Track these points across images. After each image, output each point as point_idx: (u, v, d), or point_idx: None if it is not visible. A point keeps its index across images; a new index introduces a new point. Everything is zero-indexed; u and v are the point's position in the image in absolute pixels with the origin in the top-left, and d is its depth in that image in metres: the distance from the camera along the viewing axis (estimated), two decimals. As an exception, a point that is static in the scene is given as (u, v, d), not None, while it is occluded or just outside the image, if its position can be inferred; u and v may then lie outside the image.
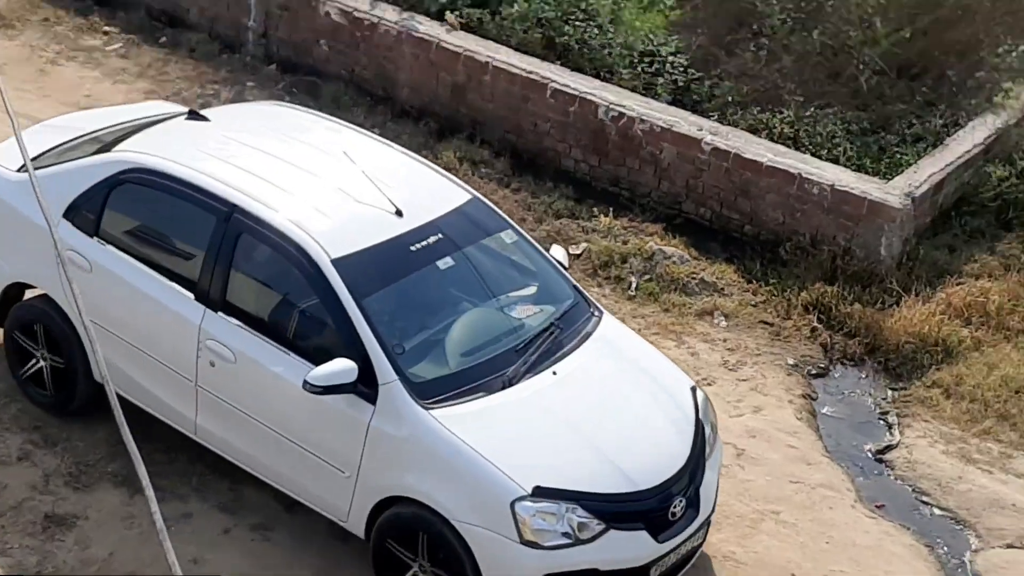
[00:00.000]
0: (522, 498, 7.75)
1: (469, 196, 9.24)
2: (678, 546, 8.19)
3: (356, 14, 13.53)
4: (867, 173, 12.20)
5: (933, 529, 9.67)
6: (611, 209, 12.39)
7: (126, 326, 8.98)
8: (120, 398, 9.13)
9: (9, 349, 9.69)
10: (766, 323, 11.36)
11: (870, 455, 10.32)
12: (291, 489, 8.60)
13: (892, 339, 11.16)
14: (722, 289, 11.63)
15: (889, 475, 10.15)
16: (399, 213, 8.70)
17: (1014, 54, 13.21)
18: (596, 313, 9.09)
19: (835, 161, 12.31)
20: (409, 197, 8.85)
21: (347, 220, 8.64)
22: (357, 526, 8.33)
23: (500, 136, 13.07)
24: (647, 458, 8.21)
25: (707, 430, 8.62)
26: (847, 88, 13.17)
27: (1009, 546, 9.57)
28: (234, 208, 8.60)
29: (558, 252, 9.53)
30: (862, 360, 11.18)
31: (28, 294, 9.66)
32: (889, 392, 10.94)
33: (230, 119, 9.96)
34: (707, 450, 8.55)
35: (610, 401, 8.54)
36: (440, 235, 8.76)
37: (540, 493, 7.78)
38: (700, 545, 8.62)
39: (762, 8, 13.57)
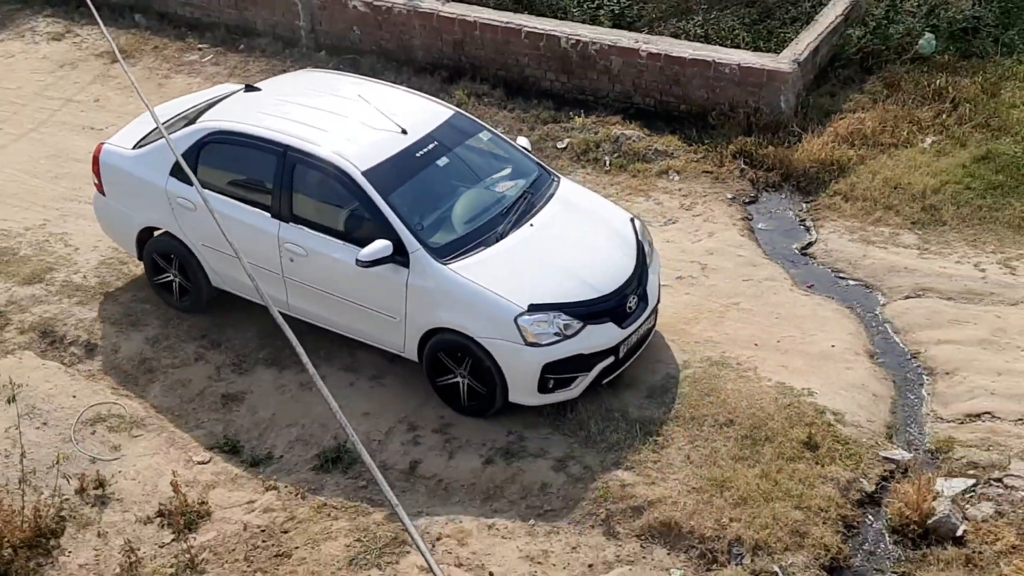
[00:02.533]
0: (521, 314, 8.05)
1: (452, 111, 9.35)
2: (637, 329, 8.50)
3: (375, 3, 13.21)
4: (762, 51, 12.00)
5: (851, 295, 9.66)
6: (582, 111, 12.18)
7: (227, 244, 8.97)
8: (232, 294, 9.44)
9: (147, 266, 9.80)
10: (707, 172, 11.19)
11: (797, 251, 10.26)
12: (362, 337, 8.79)
13: (800, 167, 11.02)
14: (672, 154, 11.45)
15: (813, 263, 10.09)
16: (404, 132, 8.86)
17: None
18: (556, 179, 9.23)
19: (737, 47, 12.13)
20: (410, 119, 9.01)
21: (368, 142, 8.78)
22: (412, 353, 8.60)
23: (493, 73, 12.82)
24: (605, 273, 8.44)
25: (646, 247, 8.80)
26: (737, -7, 12.85)
27: (906, 297, 9.52)
28: (287, 148, 8.76)
29: (523, 141, 9.58)
30: (780, 186, 11.05)
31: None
32: (804, 205, 10.83)
33: (275, 86, 10.02)
34: (648, 261, 8.75)
35: (573, 237, 8.70)
36: (436, 142, 8.93)
37: (534, 308, 8.09)
38: (653, 326, 8.87)
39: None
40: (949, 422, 8.30)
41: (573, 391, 8.30)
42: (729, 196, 10.88)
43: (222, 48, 13.90)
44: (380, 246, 8.25)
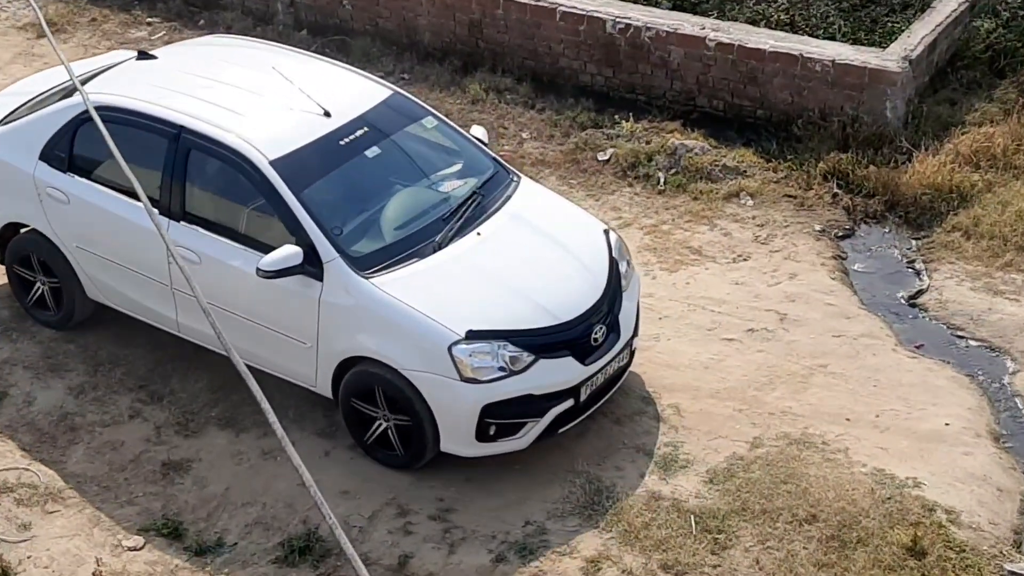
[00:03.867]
0: (457, 342, 8.21)
1: (390, 92, 9.62)
2: (604, 367, 8.64)
3: (372, -29, 13.42)
4: (864, 45, 12.09)
5: (971, 359, 9.66)
6: (631, 114, 12.29)
7: (106, 246, 9.44)
8: (111, 309, 9.60)
9: (13, 282, 10.15)
10: (790, 196, 11.24)
11: (903, 301, 10.27)
12: (266, 366, 8.92)
13: (909, 193, 11.06)
14: (744, 171, 11.51)
15: (923, 317, 10.11)
16: (327, 114, 9.08)
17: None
18: (515, 179, 9.45)
19: (832, 38, 12.25)
20: (335, 99, 9.25)
21: (281, 125, 9.02)
22: (325, 389, 8.79)
23: (519, 63, 12.97)
24: (566, 295, 8.62)
25: (622, 266, 9.00)
26: (834, -31, 12.95)
27: (1043, 364, 9.51)
28: (181, 129, 9.01)
29: (478, 131, 9.82)
30: (884, 216, 11.09)
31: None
32: (913, 242, 10.86)
33: (174, 55, 10.33)
34: (623, 283, 8.93)
35: (530, 251, 8.91)
36: (366, 128, 9.14)
37: (473, 335, 8.24)
38: (627, 365, 9.05)
39: (745, -93, 13.32)
40: (1095, 527, 8.27)
41: (520, 441, 8.49)
42: (817, 228, 10.92)
43: (177, 23, 14.11)
44: (287, 253, 8.46)
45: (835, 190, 11.22)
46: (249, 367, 5.66)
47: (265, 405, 5.40)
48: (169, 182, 9.02)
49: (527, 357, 8.35)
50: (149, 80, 9.57)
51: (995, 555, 8.07)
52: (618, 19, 12.40)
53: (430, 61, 13.23)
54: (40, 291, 9.96)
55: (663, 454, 8.79)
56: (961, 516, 8.26)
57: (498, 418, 8.37)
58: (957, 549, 8.03)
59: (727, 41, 11.98)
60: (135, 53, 10.28)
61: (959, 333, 9.85)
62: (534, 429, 8.48)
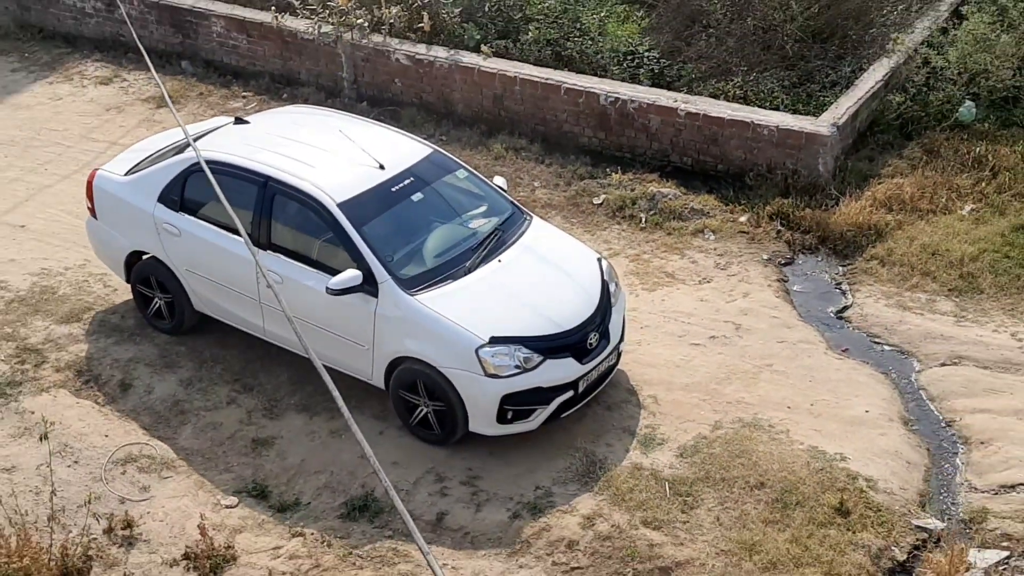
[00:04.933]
0: (482, 346, 8.27)
1: (431, 150, 9.63)
2: (597, 365, 8.70)
3: (417, 56, 13.41)
4: (801, 114, 12.03)
5: (886, 360, 9.61)
6: (619, 168, 12.24)
7: (209, 269, 9.48)
8: (213, 319, 9.67)
9: (136, 298, 10.20)
10: (743, 232, 11.20)
11: (832, 315, 10.21)
12: (333, 364, 8.89)
13: (837, 230, 11.01)
14: (708, 213, 11.48)
15: (848, 327, 10.05)
16: (382, 167, 9.15)
17: (895, 13, 13.03)
18: (528, 218, 9.46)
19: (776, 109, 12.16)
20: (388, 155, 9.31)
21: (346, 175, 9.07)
22: (379, 381, 8.83)
23: (532, 128, 12.94)
24: (567, 309, 8.66)
25: (611, 286, 9.02)
26: (777, 55, 12.90)
27: (942, 364, 9.47)
28: (268, 178, 9.07)
29: (499, 180, 9.80)
30: (817, 248, 11.02)
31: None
32: (840, 268, 10.80)
33: (263, 120, 10.33)
34: (612, 300, 8.97)
35: (539, 274, 8.94)
36: (412, 178, 9.20)
37: (495, 341, 8.31)
38: (615, 364, 9.07)
39: (708, 7, 13.32)
40: (983, 492, 8.21)
41: (531, 423, 8.51)
42: (765, 257, 10.88)
43: (266, 96, 14.14)
44: (350, 275, 8.52)
45: (779, 227, 11.17)
46: (321, 364, 5.66)
47: (336, 393, 5.43)
48: (259, 219, 9.06)
49: (537, 358, 8.38)
50: (244, 140, 9.63)
51: (904, 513, 8.04)
52: (609, 93, 12.39)
53: (462, 126, 13.22)
54: (157, 305, 10.00)
55: (644, 434, 8.78)
56: (878, 483, 8.23)
57: (514, 405, 8.38)
58: (875, 509, 8.01)
59: (694, 111, 11.95)
60: (233, 119, 10.33)
61: (876, 340, 9.81)
62: (542, 414, 8.49)
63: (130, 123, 13.72)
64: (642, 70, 13.00)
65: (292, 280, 8.90)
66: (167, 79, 14.45)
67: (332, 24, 13.76)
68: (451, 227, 9.16)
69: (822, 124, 11.57)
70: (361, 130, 9.77)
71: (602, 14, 13.85)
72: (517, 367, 8.31)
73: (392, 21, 13.64)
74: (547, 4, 13.67)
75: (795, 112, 12.09)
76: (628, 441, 8.72)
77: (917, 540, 7.85)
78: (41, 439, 8.12)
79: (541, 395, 8.42)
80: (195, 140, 9.64)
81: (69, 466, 8.68)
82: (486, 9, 13.73)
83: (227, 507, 8.44)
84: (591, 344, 8.61)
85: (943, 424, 8.89)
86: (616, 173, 12.13)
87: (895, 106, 12.23)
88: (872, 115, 12.31)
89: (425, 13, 13.56)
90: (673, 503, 8.10)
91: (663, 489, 8.22)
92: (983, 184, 11.27)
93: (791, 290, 10.54)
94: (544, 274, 8.94)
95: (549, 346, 8.43)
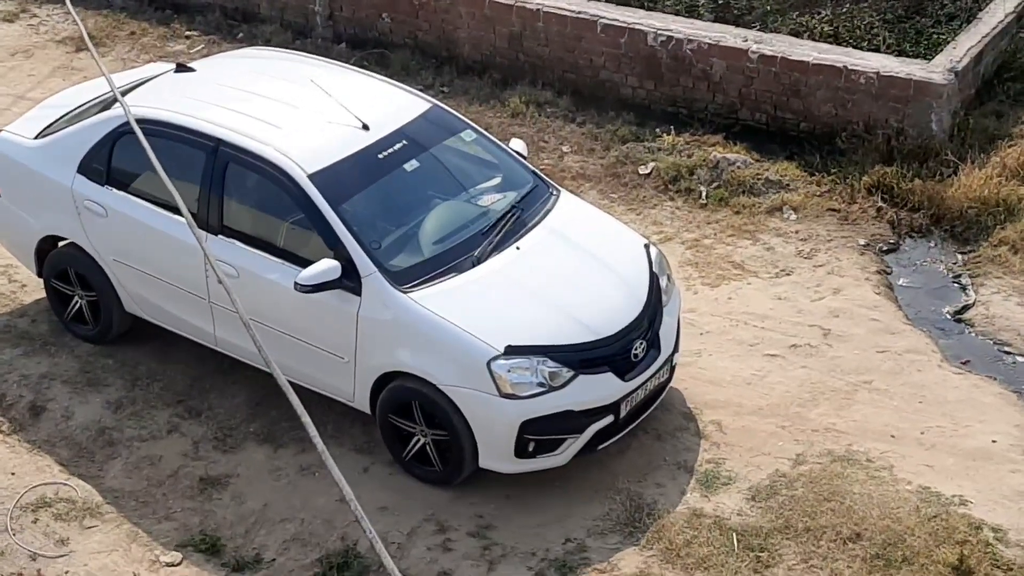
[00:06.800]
0: (496, 357, 8.23)
1: (429, 105, 9.67)
2: (644, 383, 8.64)
3: (411, -16, 13.52)
4: (908, 56, 12.06)
5: (1019, 376, 9.61)
6: (672, 128, 12.31)
7: (143, 259, 9.53)
8: (149, 322, 9.70)
9: (50, 296, 10.25)
10: (833, 210, 11.23)
11: (949, 317, 10.24)
12: (303, 381, 8.92)
13: (955, 207, 11.03)
14: (787, 185, 11.52)
15: (970, 332, 10.07)
16: (366, 127, 9.14)
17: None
18: (555, 192, 9.49)
19: (876, 50, 12.20)
20: (374, 112, 9.30)
21: (319, 139, 9.07)
22: (363, 404, 8.83)
23: (560, 76, 13.02)
24: (606, 310, 8.64)
25: (662, 281, 9.01)
26: (878, -21, 12.93)
27: (1093, 381, 9.46)
28: (219, 142, 9.08)
29: (517, 144, 9.86)
30: (929, 231, 11.05)
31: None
32: (959, 256, 10.82)
33: (213, 68, 10.42)
34: (664, 298, 8.95)
35: (569, 265, 8.93)
36: (405, 141, 9.19)
37: (512, 351, 8.26)
38: (667, 381, 9.04)
39: (789, -85, 13.35)
40: None
41: (560, 457, 8.50)
42: (862, 242, 10.90)
43: (216, 36, 14.24)
44: (325, 267, 8.51)
45: (879, 204, 11.19)
46: (287, 382, 5.70)
47: (306, 419, 5.45)
48: (207, 195, 9.09)
49: (566, 373, 8.37)
50: (187, 93, 9.67)
51: (1044, 575, 8.04)
52: (660, 31, 12.43)
53: (469, 74, 13.29)
54: (78, 305, 10.07)
55: (705, 471, 8.80)
56: (1008, 534, 8.22)
57: (537, 434, 8.39)
58: (1005, 567, 8.00)
59: (770, 53, 12.00)
60: (173, 66, 10.38)
61: (1006, 348, 9.81)
62: (573, 445, 8.50)
63: (42, 71, 13.80)
64: (702, 1, 13.02)
65: (250, 273, 8.95)
66: (90, 15, 14.54)
67: (301, -57, 13.86)
68: (455, 205, 9.19)
69: (936, 69, 11.58)
70: (338, 80, 9.81)
71: (651, -73, 13.87)
72: (541, 385, 8.33)
73: (379, -62, 13.73)
74: (579, -85, 13.70)
75: (901, 54, 12.12)
76: (685, 480, 8.73)
77: (1059, 608, 7.86)
78: (-71, 478, 8.23)
79: (572, 421, 8.43)
80: (124, 94, 9.67)
81: (-34, 512, 8.78)
82: (500, -78, 13.76)
83: (168, 565, 8.48)
84: (636, 356, 8.63)
85: (1093, 458, 8.89)
86: (668, 134, 12.18)
87: (1032, 46, 12.26)
88: (1001, 57, 12.34)
89: (421, -72, 13.64)
90: (743, 560, 8.12)
91: (730, 542, 8.24)
92: None
93: (895, 285, 10.56)
94: (575, 265, 8.96)
95: (582, 358, 8.44)
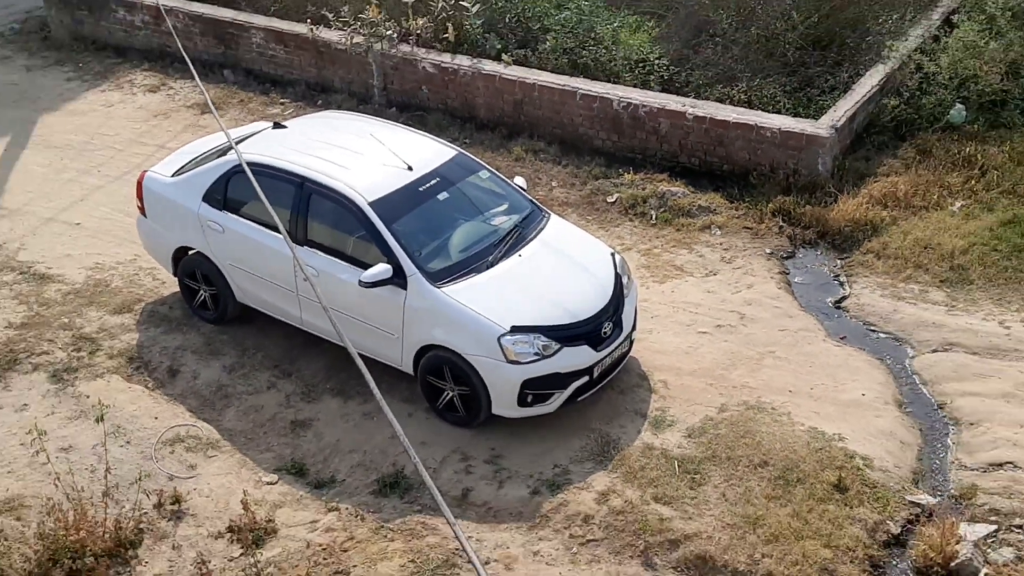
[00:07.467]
0: (504, 334, 8.28)
1: (455, 152, 9.62)
2: (610, 352, 8.70)
3: (443, 65, 13.42)
4: (802, 117, 11.98)
5: (881, 348, 9.58)
6: (631, 168, 12.23)
7: (250, 264, 9.51)
8: (254, 309, 9.69)
9: (183, 290, 10.23)
10: (748, 228, 11.18)
11: (831, 305, 10.19)
12: (365, 351, 8.88)
13: (835, 225, 10.97)
14: (714, 210, 11.46)
15: (846, 316, 10.02)
16: (410, 168, 9.15)
17: (890, 21, 12.98)
18: (546, 215, 9.45)
19: (778, 112, 12.11)
20: (416, 157, 9.31)
21: (377, 176, 9.07)
22: (407, 367, 8.84)
23: (549, 132, 12.93)
24: (583, 300, 8.65)
25: (624, 279, 9.00)
26: (779, 62, 12.84)
27: (934, 351, 9.43)
28: (304, 179, 9.09)
29: (519, 180, 9.78)
30: (816, 243, 10.99)
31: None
32: (838, 261, 10.77)
33: (300, 125, 10.30)
34: (625, 292, 8.94)
35: (556, 268, 8.92)
36: (438, 178, 9.21)
37: (515, 330, 8.31)
38: (627, 352, 9.05)
39: (714, 17, 13.29)
40: (973, 470, 8.19)
41: (550, 406, 8.52)
42: (768, 251, 10.86)
43: (302, 103, 14.19)
44: (381, 269, 8.55)
45: (781, 223, 11.14)
46: (355, 351, 5.69)
47: (368, 378, 5.46)
48: (296, 217, 9.08)
49: (555, 345, 8.38)
50: (282, 143, 9.64)
51: (899, 490, 8.03)
52: (622, 99, 12.36)
53: (484, 130, 13.23)
54: (203, 296, 10.06)
55: (654, 416, 8.79)
56: (874, 462, 8.22)
57: (534, 389, 8.39)
58: (871, 485, 8.00)
59: (702, 114, 11.92)
60: (272, 124, 10.36)
61: (872, 328, 9.78)
62: (560, 398, 8.51)
63: (176, 128, 13.80)
64: (652, 76, 12.97)
65: (327, 273, 8.93)
66: (210, 87, 14.52)
67: (363, 35, 13.80)
68: (474, 224, 9.17)
69: (821, 126, 11.52)
70: (390, 134, 9.79)
71: (615, 24, 13.82)
72: (536, 354, 8.33)
73: (419, 32, 13.67)
74: (564, 15, 13.66)
75: (796, 115, 12.05)
76: (640, 423, 8.73)
77: (911, 515, 7.84)
78: (96, 421, 8.22)
79: (559, 380, 8.44)
80: (237, 143, 9.68)
81: (122, 446, 8.76)
82: (507, 20, 13.73)
83: (268, 484, 8.50)
84: (605, 333, 8.62)
85: (935, 407, 8.86)
86: (628, 173, 12.11)
87: (890, 109, 12.17)
88: (868, 118, 12.25)
89: (450, 24, 13.58)
90: (682, 480, 8.11)
91: (673, 467, 8.23)
92: (972, 182, 11.22)
93: (792, 282, 10.51)
94: (561, 268, 8.95)
95: (566, 335, 8.44)
